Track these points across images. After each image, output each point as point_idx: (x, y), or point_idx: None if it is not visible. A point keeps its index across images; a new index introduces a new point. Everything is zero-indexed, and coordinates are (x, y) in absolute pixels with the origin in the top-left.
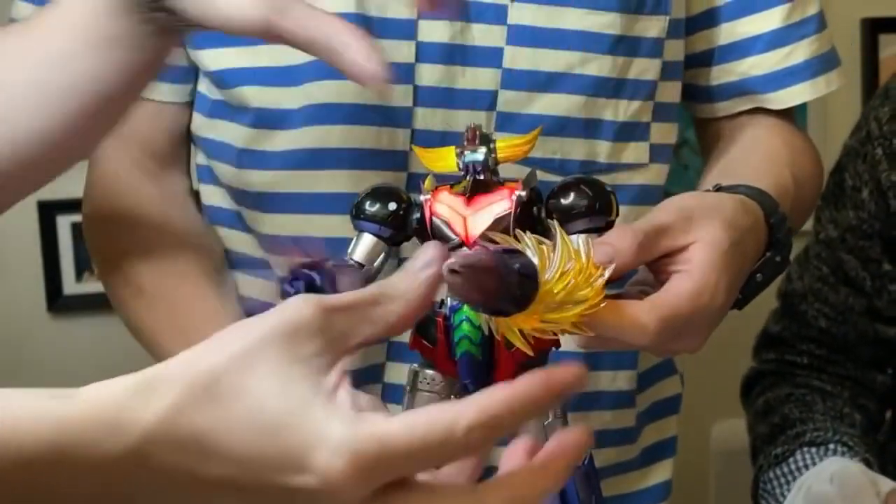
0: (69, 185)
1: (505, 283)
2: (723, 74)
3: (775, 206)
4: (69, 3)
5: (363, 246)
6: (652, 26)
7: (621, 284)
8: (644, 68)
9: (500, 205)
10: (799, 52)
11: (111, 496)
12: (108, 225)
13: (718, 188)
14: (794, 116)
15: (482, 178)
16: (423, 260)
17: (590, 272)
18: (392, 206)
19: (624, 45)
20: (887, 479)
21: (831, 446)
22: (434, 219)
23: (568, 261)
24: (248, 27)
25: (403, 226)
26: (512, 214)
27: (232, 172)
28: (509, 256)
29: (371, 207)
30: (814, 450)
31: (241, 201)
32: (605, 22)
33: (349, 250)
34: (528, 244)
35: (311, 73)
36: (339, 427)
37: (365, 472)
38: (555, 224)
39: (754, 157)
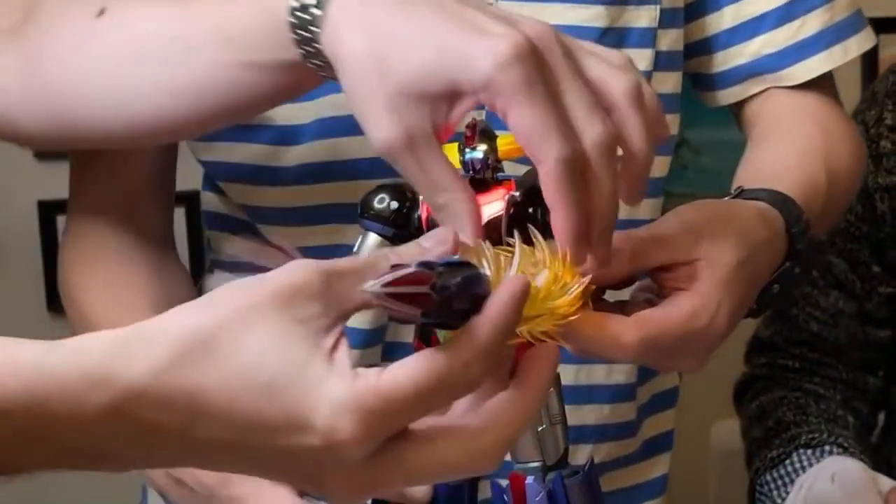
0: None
1: (438, 302)
2: (731, 58)
3: (799, 214)
4: (235, 13)
5: (367, 245)
6: (641, 16)
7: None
8: (632, 59)
9: (493, 206)
10: (810, 24)
11: (92, 451)
12: (73, 263)
13: (739, 192)
14: (834, 90)
15: (480, 176)
16: (436, 238)
17: (564, 282)
18: (394, 204)
19: (611, 37)
20: (886, 477)
21: (827, 448)
22: (432, 218)
23: (534, 268)
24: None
25: (407, 224)
26: (504, 216)
27: (245, 190)
28: (449, 271)
29: (375, 206)
30: (809, 451)
31: (255, 216)
32: (590, 15)
33: (354, 249)
34: (487, 255)
35: (324, 88)
36: (339, 385)
37: (370, 428)
38: (533, 231)
39: (785, 152)
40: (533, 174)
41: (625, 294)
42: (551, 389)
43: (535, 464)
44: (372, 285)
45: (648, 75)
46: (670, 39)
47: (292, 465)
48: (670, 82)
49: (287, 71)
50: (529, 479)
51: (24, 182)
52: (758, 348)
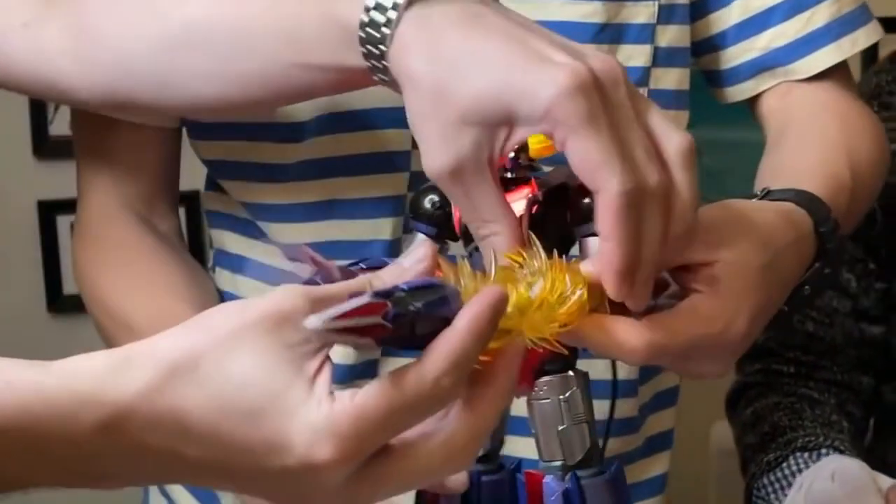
0: (69, 185)
1: (393, 331)
2: (742, 53)
3: (827, 213)
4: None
5: (415, 245)
6: (639, 12)
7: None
8: (630, 54)
9: (516, 206)
10: (819, 16)
11: (84, 470)
12: (99, 269)
13: (766, 193)
14: (850, 80)
15: (511, 175)
16: (413, 257)
17: (561, 291)
18: (437, 204)
19: (608, 32)
20: (885, 476)
21: (823, 451)
22: (463, 221)
23: (531, 277)
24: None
25: (448, 223)
26: (525, 216)
27: (247, 188)
28: (410, 296)
29: (419, 205)
30: (806, 454)
31: (256, 214)
32: (587, 11)
33: (405, 249)
34: (464, 273)
35: None
36: (316, 411)
37: (347, 451)
38: (532, 237)
39: (807, 149)
40: (557, 173)
41: None
42: (576, 389)
43: (557, 463)
44: (313, 321)
45: (647, 71)
46: (670, 35)
47: (277, 485)
48: (672, 78)
49: (348, 72)
50: (548, 478)
51: (24, 182)
52: (751, 355)
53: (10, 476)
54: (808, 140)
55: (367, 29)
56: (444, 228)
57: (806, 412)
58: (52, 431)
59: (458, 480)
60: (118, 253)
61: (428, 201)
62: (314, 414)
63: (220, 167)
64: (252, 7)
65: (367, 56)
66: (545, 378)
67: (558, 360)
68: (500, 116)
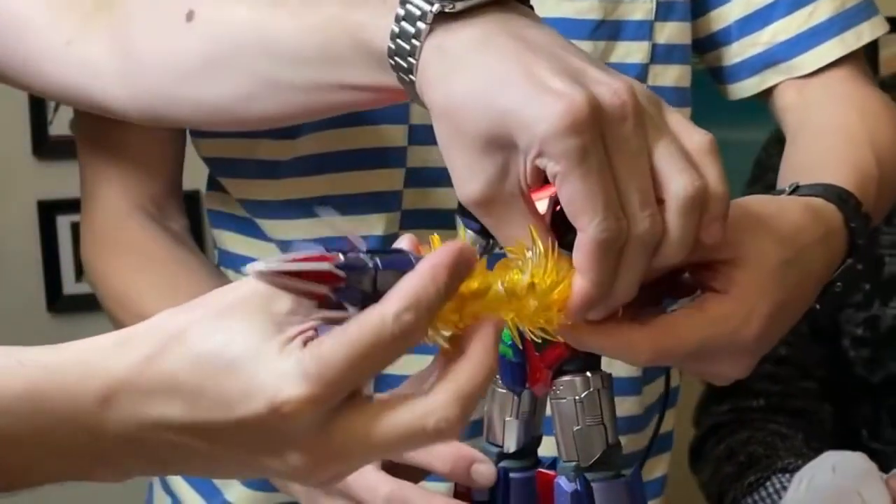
0: (69, 185)
1: (348, 280)
2: (746, 49)
3: (857, 207)
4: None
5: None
6: (636, 9)
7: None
8: (627, 51)
9: (539, 205)
10: (822, 10)
11: (84, 453)
12: (118, 270)
13: (794, 189)
14: (864, 67)
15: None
16: (401, 244)
17: (553, 278)
18: None
19: (605, 29)
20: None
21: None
22: None
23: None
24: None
25: None
26: (547, 215)
27: (245, 185)
28: (371, 254)
29: None
30: (787, 475)
31: (254, 211)
32: (584, 7)
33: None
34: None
35: None
36: (286, 357)
37: (315, 390)
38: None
39: (830, 142)
40: None
41: None
42: (593, 390)
43: (571, 463)
44: (258, 264)
45: (645, 68)
46: (669, 32)
47: (251, 438)
48: (671, 75)
49: (387, 91)
50: (560, 479)
51: (24, 182)
52: (718, 396)
53: (16, 467)
54: (830, 133)
55: (396, 58)
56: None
57: (778, 444)
58: (58, 407)
59: (484, 475)
60: (136, 255)
61: None
62: (284, 360)
63: (220, 165)
64: (286, 30)
65: (401, 81)
66: (563, 378)
67: (576, 360)
68: (513, 146)
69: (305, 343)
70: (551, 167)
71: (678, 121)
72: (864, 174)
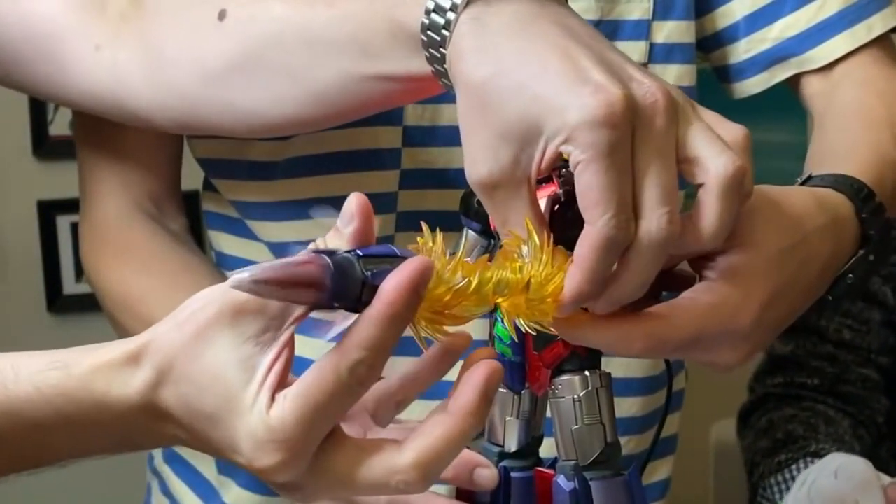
0: (69, 185)
1: (333, 281)
2: (754, 45)
3: (869, 197)
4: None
5: (463, 240)
6: (634, 9)
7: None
8: (624, 51)
9: (540, 202)
10: (831, 3)
11: (114, 446)
12: (118, 270)
13: (807, 179)
14: (891, 51)
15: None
16: (345, 216)
17: (547, 273)
18: (476, 200)
19: (603, 29)
20: (886, 476)
21: None
22: None
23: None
24: None
25: (489, 220)
26: (546, 213)
27: (237, 186)
28: (361, 257)
29: (468, 203)
30: (817, 460)
31: (245, 212)
32: (581, 7)
33: (456, 246)
34: (435, 253)
35: None
36: (257, 419)
37: (288, 455)
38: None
39: (850, 129)
40: None
41: None
42: (591, 389)
43: (570, 462)
44: (237, 277)
45: (643, 67)
46: (667, 31)
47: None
48: (671, 75)
49: (418, 81)
50: (558, 477)
51: (24, 182)
52: (774, 368)
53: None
54: (851, 119)
55: (429, 32)
56: (486, 224)
57: (820, 427)
58: (87, 423)
59: (487, 479)
60: (136, 255)
61: (477, 200)
62: (254, 423)
63: (213, 166)
64: (320, 20)
65: (431, 60)
66: (562, 377)
67: (575, 359)
68: (536, 131)
69: (273, 394)
70: (576, 155)
71: (713, 116)
72: (884, 160)
